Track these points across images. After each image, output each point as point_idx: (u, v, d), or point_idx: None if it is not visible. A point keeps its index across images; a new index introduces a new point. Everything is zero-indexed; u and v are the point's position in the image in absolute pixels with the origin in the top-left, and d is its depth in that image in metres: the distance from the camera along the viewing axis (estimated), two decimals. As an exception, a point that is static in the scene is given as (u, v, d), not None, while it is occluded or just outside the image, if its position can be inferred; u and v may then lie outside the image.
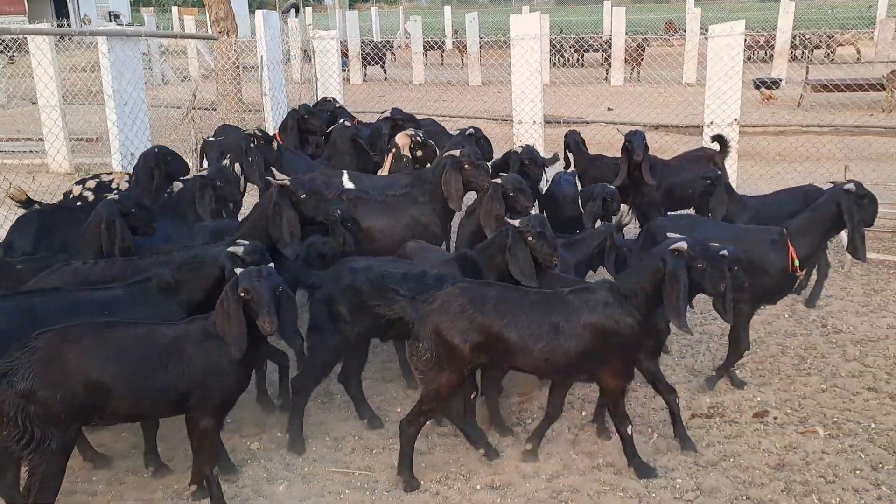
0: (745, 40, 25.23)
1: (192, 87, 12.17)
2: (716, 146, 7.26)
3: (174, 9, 42.34)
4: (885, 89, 16.72)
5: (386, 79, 25.25)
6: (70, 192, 6.10)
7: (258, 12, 9.39)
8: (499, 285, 3.99)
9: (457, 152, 5.31)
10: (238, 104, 14.23)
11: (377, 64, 24.99)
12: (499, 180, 5.07)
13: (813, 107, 17.06)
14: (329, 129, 7.18)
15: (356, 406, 4.65)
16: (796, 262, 4.67)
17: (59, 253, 4.61)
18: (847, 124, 14.63)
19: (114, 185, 6.00)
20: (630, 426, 4.04)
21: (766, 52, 25.34)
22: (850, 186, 4.73)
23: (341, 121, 6.90)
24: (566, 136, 7.43)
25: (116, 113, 6.57)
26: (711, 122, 8.91)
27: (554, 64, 26.06)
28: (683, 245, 3.74)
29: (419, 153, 6.64)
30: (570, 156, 7.33)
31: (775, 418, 4.64)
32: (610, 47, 23.04)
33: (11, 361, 3.15)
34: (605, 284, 3.92)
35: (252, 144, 6.26)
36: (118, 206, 4.52)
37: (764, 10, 48.99)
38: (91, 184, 6.06)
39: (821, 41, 25.70)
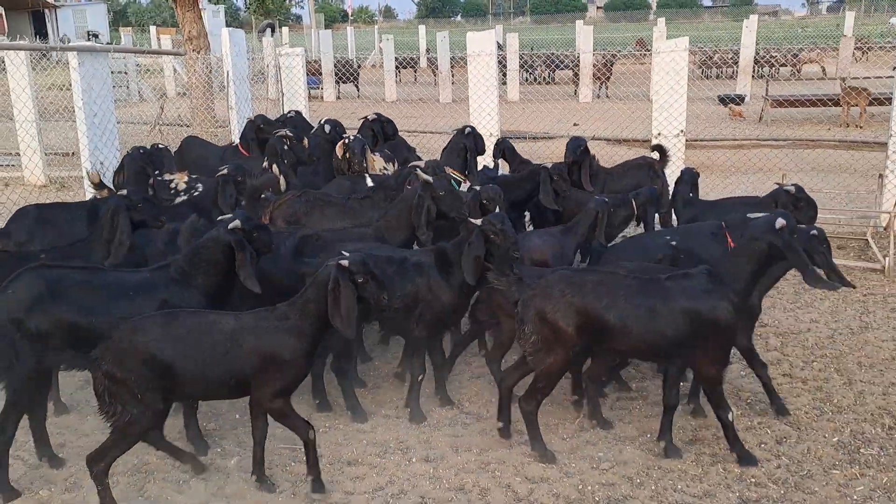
0: (713, 57, 25.86)
1: (160, 102, 12.50)
2: (656, 155, 7.69)
3: (152, 28, 42.78)
4: (840, 104, 17.37)
5: (359, 96, 25.71)
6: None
7: (224, 29, 9.76)
8: (597, 271, 4.32)
9: (421, 163, 5.81)
10: (211, 120, 14.60)
11: (350, 82, 25.44)
12: (477, 187, 5.60)
13: (775, 121, 17.63)
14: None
15: (313, 384, 4.96)
16: None
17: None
18: (801, 138, 15.21)
19: (173, 185, 6.41)
20: (731, 413, 4.22)
21: (733, 70, 26.06)
22: (790, 188, 5.16)
23: (321, 123, 7.26)
24: (497, 143, 7.92)
25: (87, 125, 6.91)
26: (659, 134, 9.37)
27: (525, 80, 26.63)
28: (783, 221, 4.02)
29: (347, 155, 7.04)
30: (501, 161, 7.83)
31: (693, 400, 5.03)
32: (579, 64, 23.62)
33: (101, 347, 3.62)
34: (704, 270, 4.14)
35: (286, 146, 6.65)
36: (125, 200, 4.86)
37: (736, 29, 50.18)
38: (152, 180, 6.48)
39: (786, 59, 26.46)
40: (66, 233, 5.32)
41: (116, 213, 4.76)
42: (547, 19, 69.73)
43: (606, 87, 23.31)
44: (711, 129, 16.87)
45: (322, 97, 25.65)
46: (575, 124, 17.86)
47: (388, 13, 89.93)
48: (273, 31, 37.01)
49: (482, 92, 9.81)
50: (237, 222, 4.28)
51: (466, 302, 4.91)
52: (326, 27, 47.23)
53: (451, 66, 24.50)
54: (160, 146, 7.60)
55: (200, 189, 6.21)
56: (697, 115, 17.95)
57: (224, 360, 3.72)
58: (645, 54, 30.72)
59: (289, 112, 8.33)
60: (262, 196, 5.95)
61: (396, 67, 25.34)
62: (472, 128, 7.21)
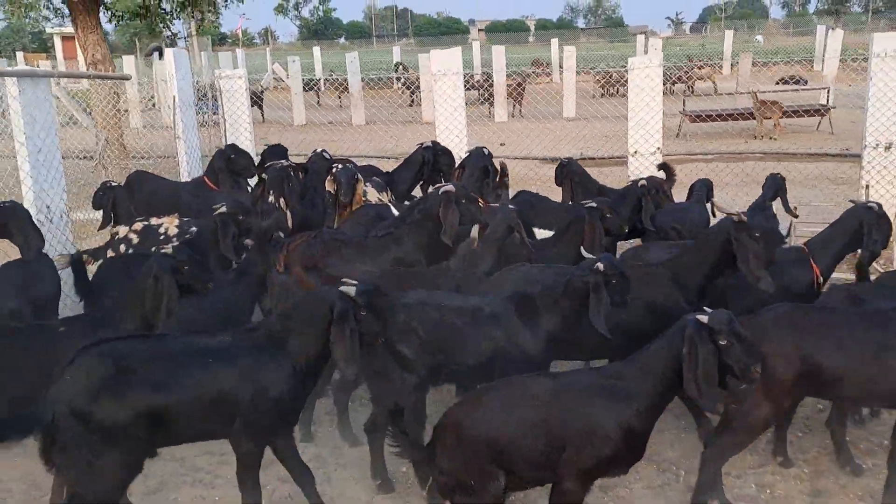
0: (611, 76, 26.34)
1: (101, 134, 11.24)
2: (662, 174, 7.36)
3: (19, 54, 39.84)
4: (754, 118, 17.90)
5: (264, 120, 24.56)
6: (116, 233, 5.68)
7: (168, 51, 8.77)
8: (818, 308, 3.81)
9: (451, 187, 5.05)
10: (122, 151, 13.32)
11: (254, 105, 24.23)
12: (593, 204, 5.06)
13: (695, 135, 17.92)
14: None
15: (372, 463, 4.21)
16: (821, 279, 4.72)
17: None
18: (731, 151, 15.50)
19: (162, 230, 5.58)
20: None
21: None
22: (874, 205, 4.83)
23: (318, 150, 6.54)
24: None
25: (30, 162, 5.79)
26: (636, 152, 9.08)
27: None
28: None
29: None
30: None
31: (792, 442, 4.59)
32: (483, 84, 23.38)
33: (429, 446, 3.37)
34: None
35: (292, 174, 6.03)
36: (170, 261, 4.05)
37: (615, 49, 52.04)
38: (138, 226, 5.63)
39: (682, 75, 27.31)
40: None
41: (160, 277, 3.93)
42: (432, 41, 70.05)
43: (520, 107, 23.23)
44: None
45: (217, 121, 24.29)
46: (502, 144, 17.58)
47: (270, 35, 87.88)
48: (161, 54, 35.05)
49: (449, 112, 9.30)
50: (353, 288, 3.51)
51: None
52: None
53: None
54: (112, 184, 6.63)
55: (194, 232, 5.33)
56: (621, 133, 18.00)
57: (540, 429, 3.11)
58: (549, 73, 31.32)
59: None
60: (272, 238, 5.13)
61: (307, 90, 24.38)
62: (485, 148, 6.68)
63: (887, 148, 8.63)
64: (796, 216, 7.35)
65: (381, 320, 3.55)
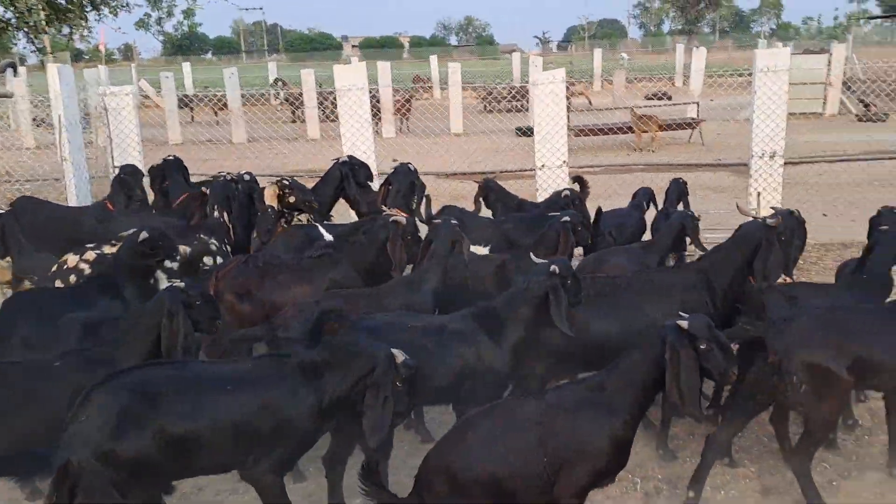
0: (492, 92, 26.68)
1: None
2: (576, 186, 7.48)
3: None
4: (633, 131, 18.68)
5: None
6: (64, 261, 5.08)
7: (51, 66, 8.09)
8: (846, 307, 4.08)
9: (402, 220, 4.91)
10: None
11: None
12: (567, 218, 5.12)
13: (581, 149, 18.45)
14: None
15: (330, 492, 3.97)
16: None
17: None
18: (620, 163, 16.09)
19: None
20: None
21: (520, 103, 27.19)
22: (794, 210, 5.07)
23: (241, 173, 6.22)
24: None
25: None
26: (543, 165, 9.20)
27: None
28: None
29: (291, 200, 6.16)
30: None
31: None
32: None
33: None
34: None
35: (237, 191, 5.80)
36: (184, 296, 3.76)
37: (493, 65, 53.22)
38: (90, 255, 5.05)
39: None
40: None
41: (176, 314, 3.67)
42: (305, 57, 69.24)
43: (407, 122, 23.25)
44: (528, 160, 17.30)
45: (94, 141, 22.94)
46: (394, 160, 17.46)
47: (129, 51, 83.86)
48: (15, 70, 32.73)
49: (356, 128, 9.11)
50: (402, 357, 3.38)
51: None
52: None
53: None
54: (-1, 211, 6.07)
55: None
56: (509, 147, 18.29)
57: (537, 453, 3.01)
58: (429, 89, 31.56)
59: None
60: (202, 266, 4.81)
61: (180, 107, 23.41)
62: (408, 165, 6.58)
63: (772, 157, 9.16)
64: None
65: (411, 398, 3.41)
